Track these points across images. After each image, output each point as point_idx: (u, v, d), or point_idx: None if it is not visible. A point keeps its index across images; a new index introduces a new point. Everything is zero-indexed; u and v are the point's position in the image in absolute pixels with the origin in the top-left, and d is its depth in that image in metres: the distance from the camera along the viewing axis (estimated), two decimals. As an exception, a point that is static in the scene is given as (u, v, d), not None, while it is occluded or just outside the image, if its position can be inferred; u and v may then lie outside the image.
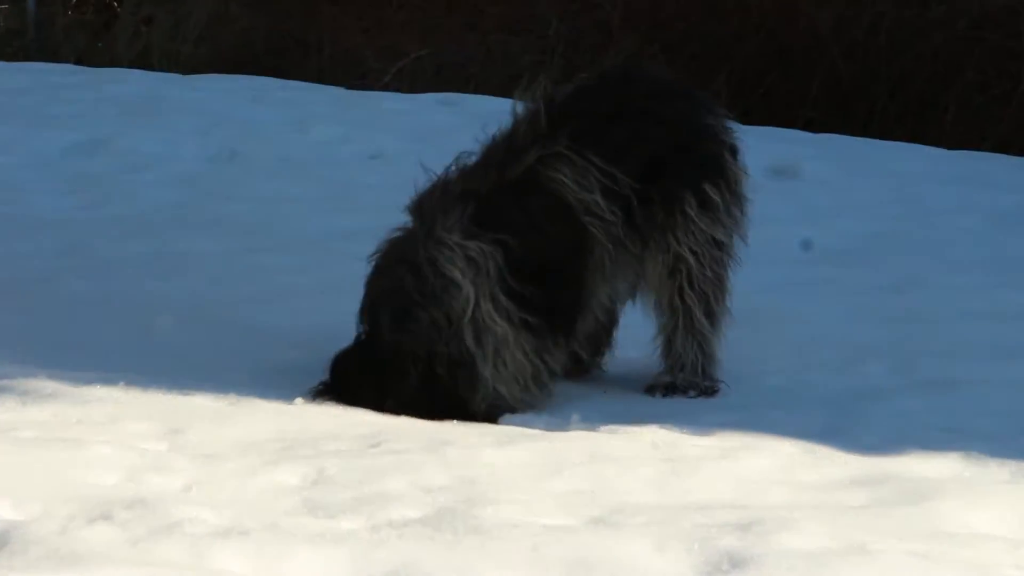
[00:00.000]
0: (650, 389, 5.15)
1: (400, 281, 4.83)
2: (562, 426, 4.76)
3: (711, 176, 5.08)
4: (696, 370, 5.12)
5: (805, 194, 8.21)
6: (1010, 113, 11.00)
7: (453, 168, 5.01)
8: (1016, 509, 4.02)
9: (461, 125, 9.76)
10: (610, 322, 5.29)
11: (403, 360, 4.79)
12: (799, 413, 4.97)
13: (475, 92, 11.15)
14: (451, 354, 4.80)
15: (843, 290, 6.65)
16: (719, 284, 5.13)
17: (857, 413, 5.00)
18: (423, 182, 5.03)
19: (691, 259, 5.05)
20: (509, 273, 4.84)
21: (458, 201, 4.90)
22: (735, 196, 5.14)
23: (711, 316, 5.12)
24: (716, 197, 5.06)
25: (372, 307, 4.87)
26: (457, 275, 4.80)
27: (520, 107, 5.09)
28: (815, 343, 5.75)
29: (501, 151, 5.00)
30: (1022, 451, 4.51)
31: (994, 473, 4.35)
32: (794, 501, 4.06)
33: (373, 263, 4.94)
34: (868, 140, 10.22)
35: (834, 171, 8.87)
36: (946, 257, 7.30)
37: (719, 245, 5.11)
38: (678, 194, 5.04)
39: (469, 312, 4.80)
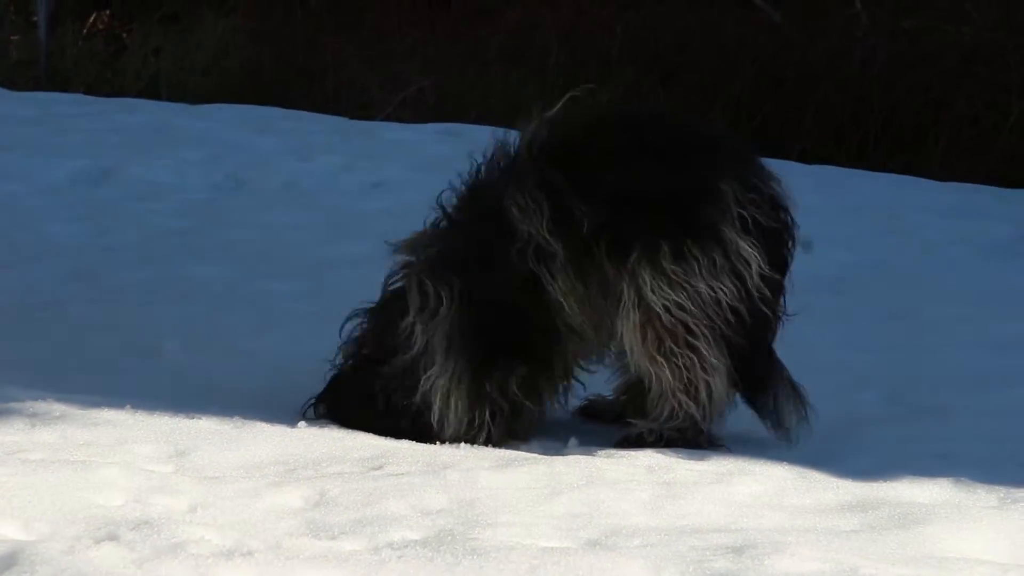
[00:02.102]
0: (625, 439, 4.87)
1: (381, 312, 4.87)
2: (559, 450, 4.77)
3: (695, 234, 4.74)
4: (684, 423, 4.82)
5: (799, 224, 8.22)
6: (1000, 145, 11.03)
7: (444, 198, 4.93)
8: (1005, 534, 4.03)
9: (462, 155, 9.79)
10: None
11: (369, 396, 4.81)
12: (792, 439, 4.97)
13: (476, 122, 11.18)
14: (405, 395, 4.79)
15: (837, 319, 6.66)
16: (700, 341, 4.76)
17: (850, 439, 5.01)
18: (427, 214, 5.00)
19: (661, 313, 4.73)
20: (460, 315, 4.76)
21: (434, 236, 4.88)
22: (728, 260, 4.76)
23: (689, 379, 4.78)
24: (698, 253, 4.73)
25: (361, 336, 4.89)
26: (410, 315, 4.79)
27: (517, 137, 4.95)
28: (809, 370, 5.74)
29: (483, 182, 4.90)
30: (1011, 477, 4.51)
31: (984, 499, 4.36)
32: (787, 525, 4.07)
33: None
34: (861, 171, 10.24)
35: (828, 202, 8.88)
36: (938, 287, 7.32)
37: (700, 300, 4.74)
38: (651, 241, 4.74)
39: (417, 352, 4.77)
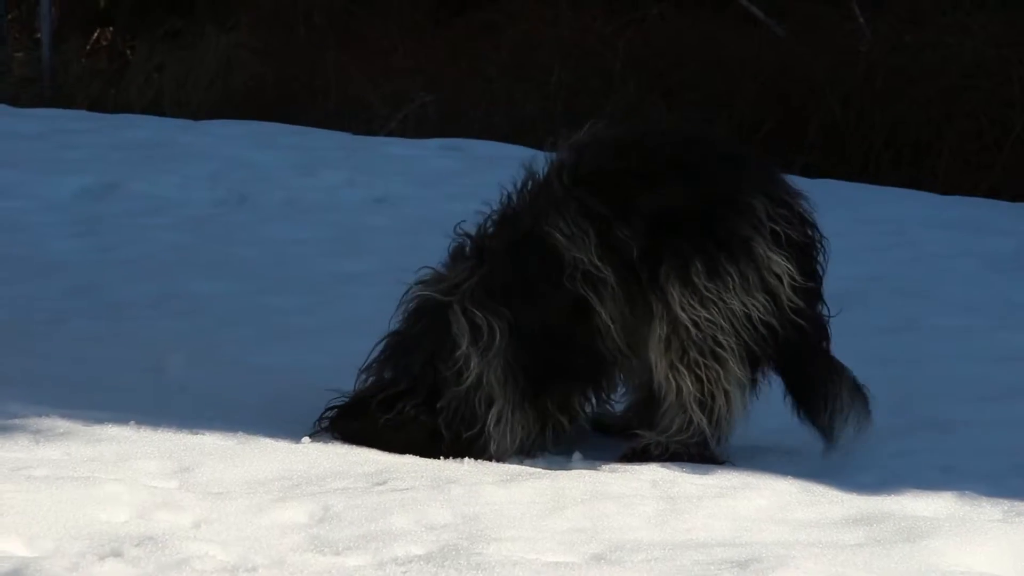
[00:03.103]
0: (631, 452, 4.86)
1: (421, 334, 4.83)
2: (564, 464, 4.77)
3: (729, 249, 4.76)
4: (692, 437, 4.82)
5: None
6: (1003, 159, 11.04)
7: (484, 220, 4.89)
8: (1010, 547, 4.02)
9: (465, 170, 9.81)
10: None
11: (406, 422, 4.78)
12: (797, 452, 4.97)
13: (479, 137, 11.20)
14: (458, 415, 4.77)
15: (841, 332, 6.63)
16: (728, 355, 4.76)
17: (854, 453, 5.00)
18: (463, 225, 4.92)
19: (689, 327, 4.74)
20: (512, 346, 4.75)
21: (472, 261, 4.85)
22: (763, 279, 4.77)
23: (707, 393, 4.77)
24: (731, 270, 4.75)
25: (392, 352, 4.87)
26: (464, 343, 4.76)
27: (550, 157, 4.92)
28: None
29: (516, 209, 4.88)
30: (1016, 490, 4.51)
31: (988, 512, 4.36)
32: (791, 539, 4.06)
33: (403, 309, 4.91)
34: (864, 185, 10.25)
35: (831, 216, 8.86)
36: (941, 300, 7.32)
37: (731, 316, 4.75)
38: (684, 257, 4.75)
39: (472, 380, 4.75)
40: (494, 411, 4.76)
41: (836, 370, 4.99)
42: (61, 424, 4.76)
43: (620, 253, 4.77)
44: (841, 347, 6.39)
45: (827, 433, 4.93)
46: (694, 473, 4.67)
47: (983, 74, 11.48)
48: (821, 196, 9.48)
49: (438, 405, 4.76)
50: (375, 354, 4.88)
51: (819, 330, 4.97)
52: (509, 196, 4.90)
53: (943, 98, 11.38)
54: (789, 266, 4.81)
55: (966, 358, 6.26)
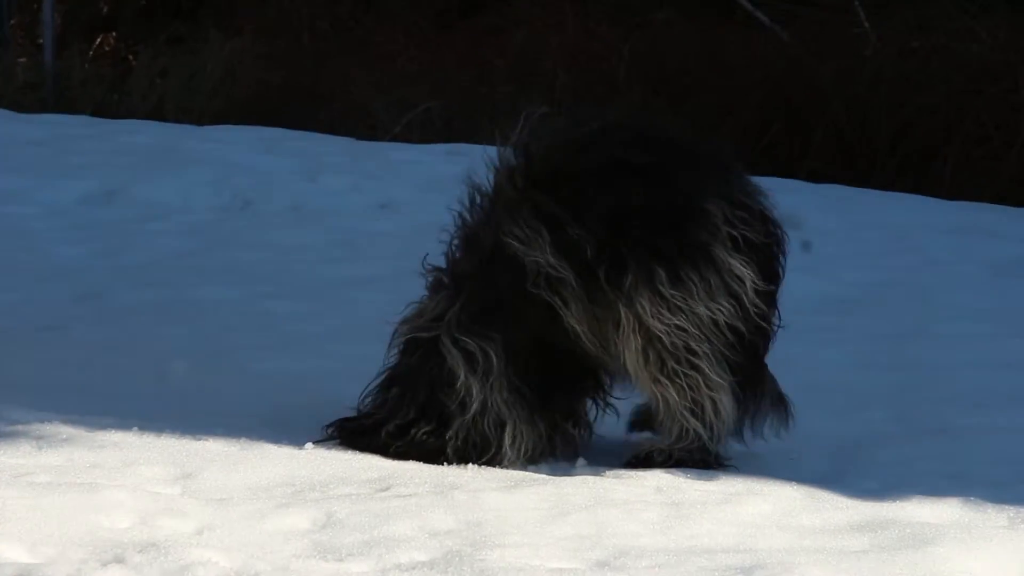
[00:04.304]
0: (635, 459, 4.85)
1: (418, 367, 4.81)
2: (567, 470, 4.77)
3: (689, 256, 4.72)
4: (692, 443, 4.80)
5: (800, 228, 8.22)
6: (1009, 165, 11.03)
7: (448, 245, 4.86)
8: (1015, 554, 4.02)
9: (469, 175, 9.82)
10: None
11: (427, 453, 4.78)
12: (801, 458, 4.97)
13: (483, 143, 11.19)
14: (469, 442, 4.76)
15: (846, 338, 6.67)
16: (703, 361, 4.73)
17: (859, 459, 5.00)
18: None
19: (662, 337, 4.70)
20: (511, 365, 4.74)
21: (448, 290, 4.82)
22: (725, 284, 4.74)
23: (694, 399, 4.75)
24: (694, 276, 4.70)
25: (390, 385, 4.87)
26: (461, 373, 4.74)
27: (503, 154, 4.87)
28: (818, 390, 5.75)
29: (473, 226, 4.84)
30: (1022, 497, 4.50)
31: (993, 518, 4.35)
32: (796, 545, 4.06)
33: (394, 349, 4.89)
34: (870, 191, 10.26)
35: (837, 221, 8.89)
36: (947, 306, 7.32)
37: (699, 322, 4.71)
38: (647, 266, 4.69)
39: (477, 407, 4.74)
40: (507, 432, 4.75)
41: (766, 376, 4.97)
42: (63, 430, 4.76)
43: (575, 252, 4.72)
44: (846, 352, 6.41)
45: (738, 434, 4.94)
46: (698, 479, 4.67)
47: (989, 80, 11.47)
48: (826, 201, 9.54)
49: (447, 435, 4.75)
50: (375, 383, 4.86)
51: (763, 336, 4.92)
52: (463, 215, 4.86)
53: (949, 104, 11.38)
54: (749, 271, 4.78)
55: (972, 365, 6.26)
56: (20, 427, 4.80)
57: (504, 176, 4.84)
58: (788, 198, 8.84)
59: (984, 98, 11.34)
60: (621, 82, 12.22)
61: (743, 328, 4.80)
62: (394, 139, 11.74)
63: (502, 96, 12.28)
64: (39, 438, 4.68)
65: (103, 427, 4.80)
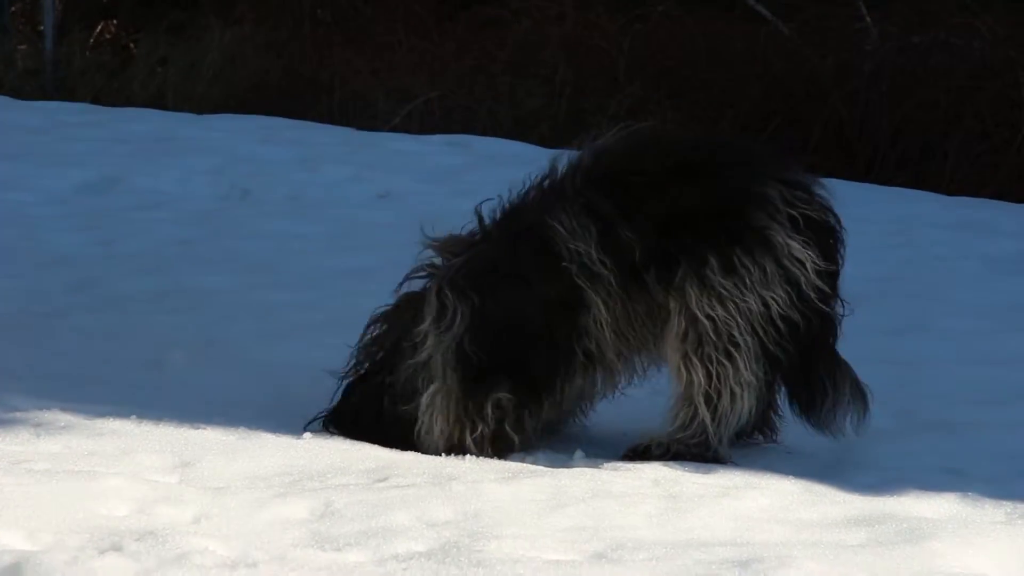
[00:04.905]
0: (632, 451, 4.85)
1: (396, 316, 4.88)
2: (565, 462, 4.77)
3: (745, 243, 4.73)
4: (693, 435, 4.80)
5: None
6: (1009, 161, 11.03)
7: (485, 209, 4.91)
8: (1013, 550, 4.02)
9: (469, 166, 9.81)
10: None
11: (366, 389, 4.85)
12: (800, 452, 4.98)
13: (483, 134, 11.20)
14: (405, 388, 4.80)
15: (845, 332, 6.65)
16: (741, 354, 4.73)
17: (857, 453, 5.00)
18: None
19: (706, 323, 4.73)
20: (471, 330, 4.73)
21: (465, 244, 4.89)
22: (782, 268, 4.74)
23: (716, 388, 4.75)
24: (748, 263, 4.72)
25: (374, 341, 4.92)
26: (427, 322, 4.79)
27: (565, 158, 4.91)
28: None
29: (525, 202, 4.88)
30: (1019, 493, 4.51)
31: (991, 514, 4.36)
32: (793, 539, 4.06)
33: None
34: (870, 185, 10.25)
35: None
36: (946, 301, 7.31)
37: (749, 313, 4.72)
38: (699, 255, 4.73)
39: (423, 356, 4.77)
40: (429, 392, 4.76)
41: (840, 365, 4.97)
42: (62, 418, 4.77)
43: (622, 254, 4.76)
44: (846, 348, 6.40)
45: (822, 427, 4.92)
46: (696, 472, 4.67)
47: (990, 75, 11.47)
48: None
49: (388, 380, 4.79)
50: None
51: (828, 323, 4.93)
52: (523, 190, 4.91)
53: (950, 99, 11.37)
54: (810, 252, 4.79)
55: (971, 360, 6.26)
56: (18, 414, 4.80)
57: (569, 172, 4.87)
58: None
59: (984, 94, 11.33)
60: (621, 74, 12.22)
61: (798, 318, 4.78)
62: (393, 129, 11.73)
63: (502, 87, 12.28)
64: (37, 425, 4.69)
65: (101, 415, 4.81)
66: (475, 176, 8.95)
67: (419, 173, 9.56)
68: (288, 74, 12.98)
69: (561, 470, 4.63)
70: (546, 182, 4.90)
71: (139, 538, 3.74)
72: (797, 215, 4.79)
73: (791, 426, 5.20)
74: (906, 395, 5.68)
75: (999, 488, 4.53)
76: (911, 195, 9.96)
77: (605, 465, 4.71)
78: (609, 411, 5.06)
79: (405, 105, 12.20)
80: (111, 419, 4.78)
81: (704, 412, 4.78)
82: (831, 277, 4.90)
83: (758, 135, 11.28)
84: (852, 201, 9.43)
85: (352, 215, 8.76)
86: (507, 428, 4.79)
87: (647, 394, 5.10)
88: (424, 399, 4.76)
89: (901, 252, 8.31)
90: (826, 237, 4.89)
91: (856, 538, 4.08)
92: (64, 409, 4.84)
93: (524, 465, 4.70)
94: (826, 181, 8.86)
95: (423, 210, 8.50)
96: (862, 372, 6.03)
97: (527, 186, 4.92)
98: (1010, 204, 9.89)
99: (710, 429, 4.80)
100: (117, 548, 3.68)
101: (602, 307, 4.77)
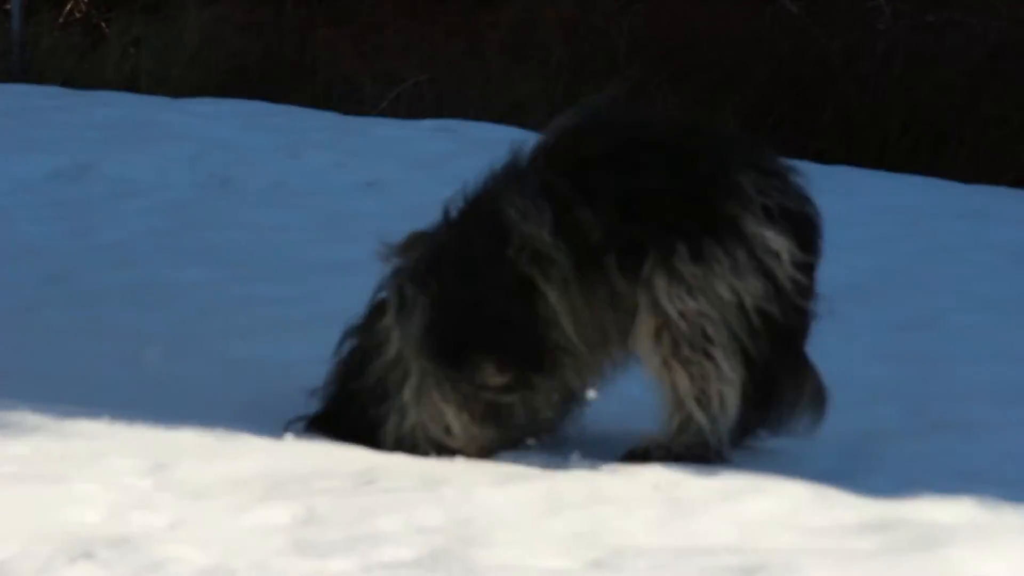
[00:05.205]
0: (631, 454, 4.81)
1: (365, 322, 4.90)
2: (562, 465, 4.76)
3: (715, 232, 4.68)
4: (693, 437, 4.76)
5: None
6: (1028, 147, 11.04)
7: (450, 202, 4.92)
8: (1032, 557, 4.02)
9: (460, 152, 9.81)
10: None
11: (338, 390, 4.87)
12: (807, 454, 4.97)
13: (475, 119, 11.19)
14: (371, 388, 4.80)
15: (854, 328, 6.65)
16: (718, 351, 4.69)
17: (868, 455, 5.00)
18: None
19: (679, 322, 4.67)
20: (435, 319, 4.74)
21: (424, 238, 4.89)
22: (755, 259, 4.68)
23: (701, 389, 4.72)
24: (719, 253, 4.67)
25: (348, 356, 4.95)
26: (389, 318, 4.79)
27: (530, 140, 4.91)
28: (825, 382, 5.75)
29: (485, 187, 4.88)
30: (1038, 496, 4.51)
31: (1010, 520, 4.35)
32: (801, 546, 4.06)
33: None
34: (881, 172, 10.25)
35: (846, 204, 8.88)
36: (961, 295, 7.31)
37: (721, 304, 4.68)
38: (667, 244, 4.69)
39: (391, 356, 4.78)
40: (409, 387, 4.75)
41: (807, 364, 4.93)
42: (30, 419, 4.76)
43: (579, 237, 4.72)
44: (854, 343, 6.41)
45: (770, 427, 4.90)
46: (698, 475, 4.67)
47: (1009, 57, 11.47)
48: (835, 184, 9.52)
49: (355, 387, 4.80)
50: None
51: (803, 318, 4.86)
52: (486, 176, 4.90)
53: (966, 82, 11.38)
54: (786, 241, 4.73)
55: (987, 357, 6.26)
56: (-15, 415, 4.80)
57: (531, 153, 4.86)
58: (795, 180, 8.91)
59: (1003, 76, 11.33)
60: (620, 57, 12.21)
61: (774, 311, 4.75)
62: (381, 114, 11.72)
63: (495, 70, 12.27)
64: (4, 426, 4.68)
65: (72, 416, 4.80)
66: (466, 163, 8.87)
67: (407, 160, 9.56)
68: (269, 56, 12.97)
69: (556, 473, 4.62)
70: (508, 165, 4.88)
71: (112, 545, 3.74)
72: (772, 204, 4.75)
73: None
74: (919, 394, 5.68)
75: (1018, 492, 4.52)
76: (924, 183, 9.97)
77: (603, 468, 4.71)
78: (607, 411, 5.05)
79: (393, 89, 12.20)
80: (83, 420, 4.77)
81: (698, 415, 4.76)
82: (808, 270, 4.83)
83: (764, 119, 11.29)
84: (862, 189, 9.50)
85: (337, 204, 8.75)
86: (500, 409, 4.78)
87: (644, 392, 5.08)
88: (406, 394, 4.76)
89: (914, 243, 8.31)
90: (803, 228, 4.83)
91: (867, 545, 4.08)
92: (33, 409, 4.83)
93: (518, 468, 4.70)
94: (836, 169, 8.88)
95: (412, 199, 8.51)
96: (872, 369, 6.05)
97: (491, 171, 4.90)
98: (1029, 192, 9.90)
99: (707, 429, 4.78)
100: (88, 556, 3.68)
101: (556, 294, 4.73)
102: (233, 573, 3.65)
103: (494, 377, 4.77)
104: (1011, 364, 6.16)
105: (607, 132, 4.88)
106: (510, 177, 4.85)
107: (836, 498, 4.49)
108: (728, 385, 4.76)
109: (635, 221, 4.73)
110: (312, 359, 5.02)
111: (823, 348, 6.22)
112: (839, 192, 9.12)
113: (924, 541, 4.08)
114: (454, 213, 4.90)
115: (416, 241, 4.91)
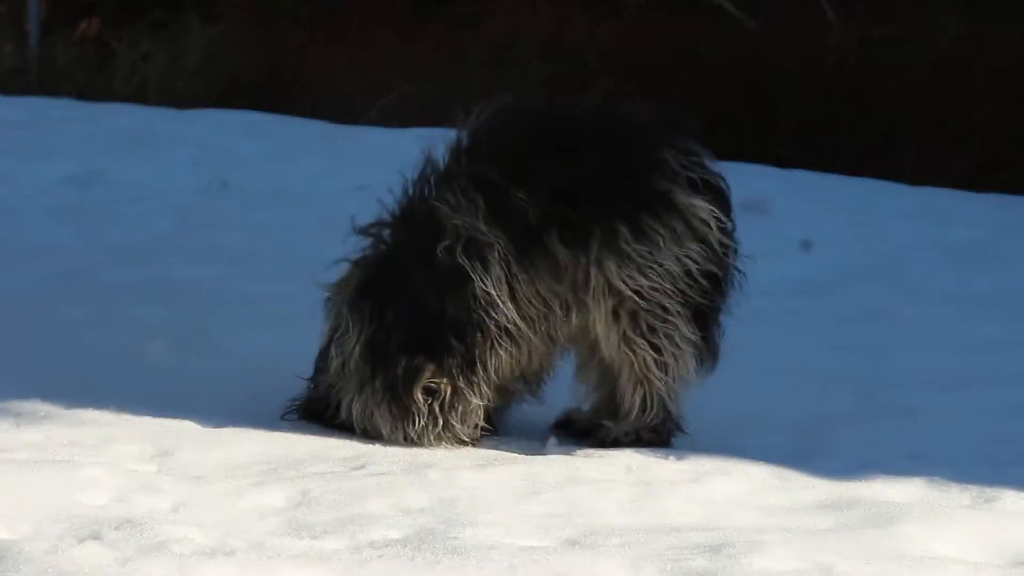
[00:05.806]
0: (600, 442, 4.70)
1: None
2: (539, 450, 4.71)
3: (651, 207, 4.61)
4: (656, 416, 4.69)
5: (774, 228, 8.19)
6: (967, 152, 11.03)
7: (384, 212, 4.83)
8: (979, 533, 3.99)
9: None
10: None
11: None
12: (768, 439, 4.92)
13: (455, 128, 11.13)
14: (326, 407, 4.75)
15: (810, 321, 6.63)
16: (674, 321, 4.63)
17: (824, 439, 4.96)
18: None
19: (634, 298, 4.59)
20: (374, 332, 4.64)
21: (356, 265, 4.83)
22: (691, 228, 4.64)
23: (662, 359, 4.64)
24: (658, 227, 4.60)
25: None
26: (328, 340, 4.75)
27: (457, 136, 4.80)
28: (783, 372, 5.72)
29: (410, 198, 4.80)
30: (984, 477, 4.48)
31: (957, 498, 4.32)
32: (763, 524, 4.03)
33: None
34: (834, 176, 10.22)
35: (802, 206, 8.86)
36: (909, 289, 7.29)
37: (671, 276, 4.62)
38: (608, 226, 4.59)
39: (332, 375, 4.71)
40: (355, 405, 4.65)
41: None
42: (42, 408, 4.71)
43: (515, 218, 4.60)
44: (810, 334, 6.37)
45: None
46: (668, 459, 4.62)
47: (948, 70, 11.47)
48: (793, 187, 9.49)
49: (308, 396, 4.75)
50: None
51: (731, 278, 4.81)
52: (407, 185, 4.80)
53: (910, 92, 11.37)
54: (713, 208, 4.69)
55: (934, 347, 6.23)
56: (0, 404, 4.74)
57: (452, 154, 4.77)
58: (755, 183, 8.87)
59: (943, 88, 11.33)
60: (594, 70, 12.17)
61: (716, 270, 4.70)
62: (370, 123, 11.66)
63: (477, 83, 12.22)
64: (18, 415, 4.64)
65: (82, 405, 4.75)
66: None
67: (395, 165, 9.48)
68: (267, 70, 12.91)
69: (535, 458, 4.57)
70: (429, 170, 4.78)
71: (118, 527, 3.69)
72: (695, 177, 4.70)
73: (759, 410, 5.16)
74: (871, 382, 5.64)
75: (965, 473, 4.49)
76: (876, 185, 9.94)
77: (578, 453, 4.66)
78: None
79: (381, 100, 12.14)
80: (91, 409, 4.72)
81: (659, 387, 4.67)
82: (730, 234, 4.78)
83: (725, 126, 11.25)
84: (817, 191, 9.46)
85: (330, 206, 8.67)
86: (445, 413, 4.62)
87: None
88: (355, 410, 4.65)
89: (865, 241, 8.27)
90: (721, 197, 4.79)
91: (825, 523, 4.04)
92: (45, 399, 4.78)
93: (499, 453, 4.65)
94: (793, 172, 8.82)
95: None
96: (828, 359, 6.01)
97: (410, 180, 4.80)
98: (970, 193, 9.88)
99: (666, 399, 4.69)
100: (96, 537, 3.63)
101: (492, 278, 4.58)
102: (232, 552, 3.60)
103: (432, 379, 4.64)
104: (956, 353, 6.13)
105: (526, 123, 4.77)
106: (438, 178, 4.74)
107: (795, 479, 4.45)
108: (687, 347, 4.68)
109: (571, 201, 4.62)
110: (308, 353, 4.97)
111: (779, 339, 6.21)
112: (796, 194, 9.10)
113: (877, 518, 4.05)
114: (387, 230, 4.80)
115: (352, 272, 4.81)
